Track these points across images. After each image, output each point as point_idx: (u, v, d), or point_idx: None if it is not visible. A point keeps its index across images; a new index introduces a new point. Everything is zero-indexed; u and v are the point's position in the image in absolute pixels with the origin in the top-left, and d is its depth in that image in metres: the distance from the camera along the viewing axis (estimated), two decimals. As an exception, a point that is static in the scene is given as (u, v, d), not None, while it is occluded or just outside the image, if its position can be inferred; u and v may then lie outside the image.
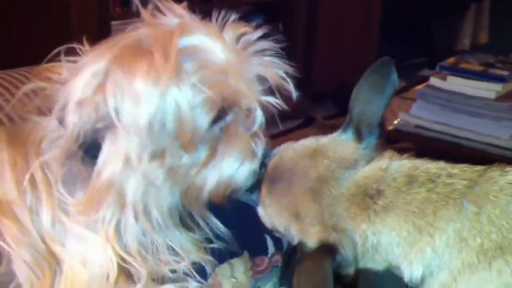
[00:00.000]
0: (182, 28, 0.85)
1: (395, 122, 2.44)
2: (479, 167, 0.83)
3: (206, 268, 0.96)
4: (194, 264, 0.95)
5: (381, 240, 0.83)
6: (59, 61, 0.90)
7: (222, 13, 0.93)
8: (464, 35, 4.39)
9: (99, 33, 2.80)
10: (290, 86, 0.93)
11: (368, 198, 0.84)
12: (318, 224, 0.86)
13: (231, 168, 0.91)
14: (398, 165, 0.86)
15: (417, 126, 2.39)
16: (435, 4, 4.18)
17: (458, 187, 0.81)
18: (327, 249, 0.84)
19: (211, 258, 0.97)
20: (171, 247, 0.93)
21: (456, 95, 2.25)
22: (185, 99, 0.83)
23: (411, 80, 4.48)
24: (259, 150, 0.93)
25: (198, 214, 0.96)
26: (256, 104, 0.91)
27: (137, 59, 0.81)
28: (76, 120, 0.83)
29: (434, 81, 2.32)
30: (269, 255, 1.06)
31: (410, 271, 0.82)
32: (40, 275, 0.86)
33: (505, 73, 2.28)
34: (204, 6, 3.66)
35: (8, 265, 0.87)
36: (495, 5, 4.43)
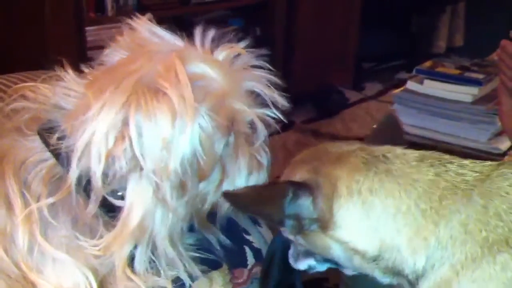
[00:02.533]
0: (181, 58, 0.85)
1: (374, 126, 2.44)
2: (490, 162, 0.84)
3: (184, 282, 0.95)
4: (172, 278, 0.94)
5: (374, 203, 0.82)
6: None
7: (202, 30, 0.94)
8: (440, 37, 4.44)
9: (74, 38, 2.77)
10: (278, 97, 0.96)
11: (372, 156, 0.84)
12: (307, 165, 0.86)
13: (242, 181, 0.94)
14: (411, 149, 0.86)
15: (395, 130, 2.39)
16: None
17: (468, 178, 0.80)
18: (297, 184, 0.83)
19: (197, 270, 0.96)
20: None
21: (433, 99, 2.26)
22: (205, 132, 0.84)
23: (389, 83, 4.52)
24: (264, 159, 0.97)
25: (208, 231, 0.98)
26: (256, 119, 0.94)
27: (155, 102, 0.80)
28: (99, 171, 0.81)
29: (411, 85, 2.32)
30: (248, 267, 1.06)
31: (413, 261, 0.80)
32: None
33: (481, 76, 2.29)
34: (181, 9, 3.66)
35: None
36: (470, 7, 4.48)
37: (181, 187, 0.86)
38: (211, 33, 0.94)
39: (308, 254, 0.92)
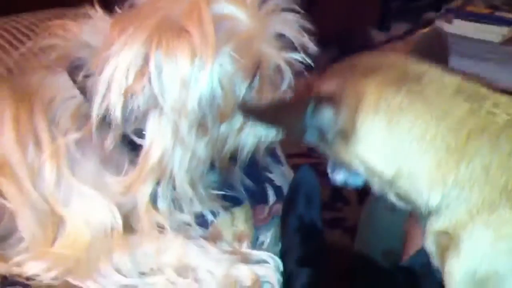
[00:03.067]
0: None
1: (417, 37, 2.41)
2: None
3: (207, 217, 0.97)
4: (196, 213, 0.96)
5: (400, 122, 0.78)
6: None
7: None
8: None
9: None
10: (308, 41, 0.94)
11: (407, 74, 0.80)
12: (337, 76, 0.84)
13: (265, 127, 0.94)
14: (449, 74, 0.81)
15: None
16: None
17: (499, 120, 0.77)
18: (320, 97, 0.81)
19: (222, 204, 0.98)
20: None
21: (462, 39, 2.21)
22: (226, 73, 0.84)
23: (417, 23, 4.40)
24: None
25: (229, 173, 0.99)
26: (283, 63, 0.92)
27: (176, 40, 0.79)
28: (119, 107, 0.81)
29: (439, 24, 2.27)
30: (269, 204, 1.07)
31: (428, 195, 0.78)
32: (42, 232, 0.86)
33: (511, 15, 2.23)
34: None
35: (10, 219, 0.87)
36: None
37: (201, 127, 0.86)
38: None
39: (339, 165, 0.89)
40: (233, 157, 0.97)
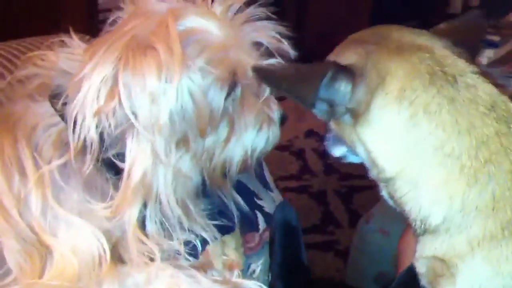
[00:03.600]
0: (174, 14, 0.85)
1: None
2: None
3: (197, 245, 0.96)
4: (186, 241, 0.95)
5: (421, 123, 0.72)
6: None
7: None
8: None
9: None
10: (286, 46, 0.94)
11: (442, 71, 0.74)
12: (361, 46, 0.78)
13: (252, 137, 0.94)
14: (487, 83, 0.75)
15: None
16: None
17: None
18: (339, 67, 0.76)
19: (209, 234, 0.97)
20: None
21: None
22: (197, 86, 0.84)
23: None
24: (274, 112, 0.96)
25: (222, 190, 0.98)
26: None
27: (142, 57, 0.80)
28: (93, 129, 0.82)
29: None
30: (260, 231, 1.07)
31: (428, 212, 0.74)
32: (29, 263, 0.85)
33: (497, 38, 2.26)
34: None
35: (-2, 251, 0.86)
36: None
37: (180, 143, 0.87)
38: None
39: (341, 141, 0.85)
40: (224, 173, 0.96)
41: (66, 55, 0.90)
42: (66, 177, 0.86)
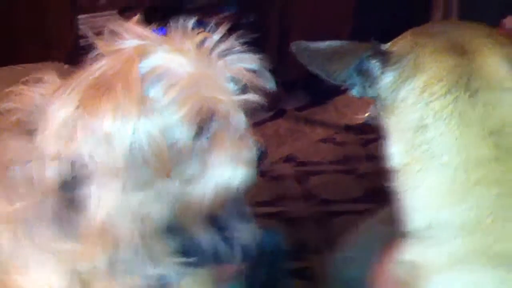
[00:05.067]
0: (140, 52, 0.85)
1: (366, 114, 2.45)
2: None
3: (169, 280, 0.96)
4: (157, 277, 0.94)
5: (432, 123, 0.74)
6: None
7: (180, 22, 0.92)
8: (435, 19, 4.41)
9: (68, 26, 2.75)
10: (263, 79, 0.94)
11: (466, 82, 0.75)
12: (418, 37, 0.80)
13: (226, 176, 0.92)
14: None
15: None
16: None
17: None
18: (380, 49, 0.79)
19: (181, 268, 0.96)
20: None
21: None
22: (157, 127, 0.83)
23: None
24: (251, 150, 0.94)
25: (195, 227, 0.97)
26: (234, 107, 0.91)
27: (101, 99, 0.80)
28: (55, 172, 0.82)
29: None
30: (234, 264, 1.06)
31: (415, 214, 0.75)
32: None
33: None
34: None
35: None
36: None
37: (145, 185, 0.86)
38: (191, 21, 0.92)
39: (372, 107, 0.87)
40: (197, 211, 0.95)
41: (41, 91, 0.90)
42: (39, 215, 0.86)
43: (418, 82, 0.78)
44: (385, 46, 0.83)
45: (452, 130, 0.75)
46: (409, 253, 0.77)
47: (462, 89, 0.76)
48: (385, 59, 0.80)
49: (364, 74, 0.81)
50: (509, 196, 0.73)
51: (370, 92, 0.82)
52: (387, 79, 0.80)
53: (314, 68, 0.83)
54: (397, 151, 0.80)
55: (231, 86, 0.92)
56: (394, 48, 0.82)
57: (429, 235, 0.75)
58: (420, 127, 0.76)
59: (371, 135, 3.44)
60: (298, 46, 0.84)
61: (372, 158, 3.38)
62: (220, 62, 0.91)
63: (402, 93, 0.78)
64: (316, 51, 0.83)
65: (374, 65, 0.80)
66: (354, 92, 0.84)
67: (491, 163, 0.74)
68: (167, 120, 0.85)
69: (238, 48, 0.93)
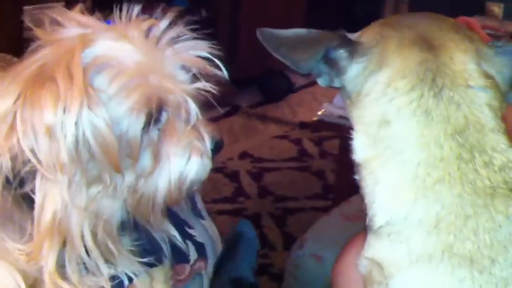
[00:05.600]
0: (83, 41, 0.80)
1: (319, 113, 2.45)
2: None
3: (123, 280, 0.91)
4: (111, 276, 0.90)
5: (396, 118, 0.74)
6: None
7: (124, 8, 0.88)
8: (386, 14, 4.49)
9: (12, 18, 2.65)
10: (214, 68, 0.90)
11: (432, 79, 0.74)
12: (385, 28, 0.80)
13: (179, 167, 0.88)
14: (479, 105, 0.75)
15: (340, 116, 2.40)
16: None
17: (477, 183, 0.71)
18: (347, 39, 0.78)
19: (135, 267, 0.91)
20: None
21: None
22: (102, 119, 0.78)
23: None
24: (205, 140, 0.90)
25: (150, 223, 0.92)
26: (185, 96, 0.88)
27: (41, 90, 0.75)
28: None
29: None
30: (191, 262, 1.03)
31: (375, 211, 0.74)
32: None
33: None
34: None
35: None
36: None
37: (94, 180, 0.82)
38: (136, 9, 0.88)
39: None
40: (151, 206, 0.90)
41: None
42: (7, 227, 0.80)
43: (382, 76, 0.77)
44: (353, 36, 0.81)
45: (415, 127, 0.74)
46: (370, 249, 0.77)
47: (427, 86, 0.75)
48: (352, 49, 0.78)
49: (331, 64, 0.79)
50: (470, 195, 0.72)
51: (336, 82, 0.81)
52: (353, 71, 0.78)
53: (280, 56, 0.81)
54: (360, 145, 0.79)
55: (182, 75, 0.89)
56: (363, 39, 0.81)
57: (389, 232, 0.74)
58: (383, 122, 0.75)
59: (324, 133, 3.46)
60: (264, 33, 0.82)
61: (326, 155, 3.41)
62: (169, 50, 0.87)
63: (367, 86, 0.77)
64: (282, 38, 0.80)
65: (341, 55, 0.78)
66: (321, 81, 0.82)
67: (454, 161, 0.73)
68: (114, 111, 0.81)
69: (187, 35, 0.90)
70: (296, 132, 3.70)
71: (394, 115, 0.75)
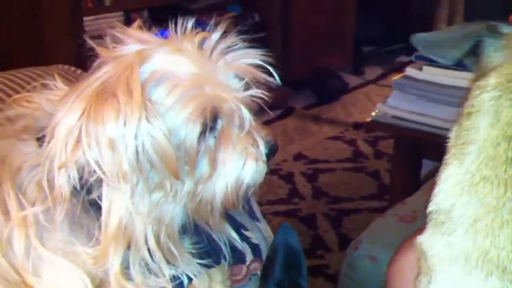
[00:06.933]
0: (141, 57, 0.85)
1: (373, 113, 2.44)
2: None
3: (183, 280, 0.96)
4: (172, 277, 0.94)
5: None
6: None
7: (179, 22, 0.93)
8: (440, 20, 4.41)
9: (72, 28, 2.76)
10: (267, 74, 0.93)
11: None
12: None
13: (235, 172, 0.92)
14: None
15: (394, 117, 2.39)
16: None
17: None
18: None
19: (195, 268, 0.95)
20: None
21: (432, 85, 2.25)
22: (160, 130, 0.83)
23: (390, 66, 4.49)
24: (259, 145, 0.94)
25: (212, 225, 0.97)
26: (238, 104, 0.92)
27: (103, 105, 0.81)
28: (65, 181, 0.82)
29: (410, 71, 2.31)
30: (247, 263, 1.06)
31: (436, 199, 0.77)
32: None
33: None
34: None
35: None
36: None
37: (156, 188, 0.86)
38: (190, 21, 0.93)
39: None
40: (210, 210, 0.94)
41: (48, 97, 0.91)
42: (50, 217, 0.85)
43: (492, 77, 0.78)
44: (503, 28, 0.85)
45: (484, 124, 0.77)
46: (421, 235, 0.78)
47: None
48: (498, 41, 0.82)
49: (478, 55, 0.83)
50: (510, 201, 0.72)
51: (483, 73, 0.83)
52: (494, 61, 0.81)
53: (431, 55, 0.92)
54: (452, 129, 0.82)
55: (235, 83, 0.93)
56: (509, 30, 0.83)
57: (435, 220, 0.76)
58: (467, 113, 0.79)
59: (379, 133, 3.44)
60: (418, 38, 0.89)
61: (381, 156, 3.39)
62: (222, 60, 0.91)
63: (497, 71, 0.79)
64: (433, 39, 0.88)
65: (488, 46, 0.82)
66: (473, 69, 0.86)
67: (503, 164, 0.74)
68: (172, 122, 0.85)
69: (239, 45, 0.94)
70: (350, 133, 3.69)
71: (477, 108, 0.78)
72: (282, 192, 3.00)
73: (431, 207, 0.77)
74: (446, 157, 0.80)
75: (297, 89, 3.93)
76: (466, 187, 0.75)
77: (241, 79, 0.93)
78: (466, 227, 0.73)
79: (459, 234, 0.74)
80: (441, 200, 0.76)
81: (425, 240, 0.77)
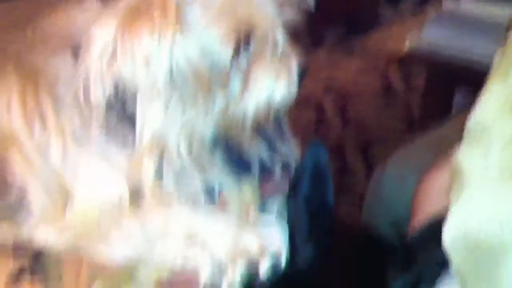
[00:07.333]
0: None
1: (407, 46, 2.41)
2: None
3: (214, 188, 0.99)
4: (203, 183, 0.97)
5: None
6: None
7: None
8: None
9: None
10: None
11: None
12: None
13: (266, 91, 0.95)
14: None
15: (430, 50, 2.36)
16: None
17: None
18: None
19: (227, 178, 1.00)
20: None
21: (469, 19, 2.20)
22: (194, 48, 0.85)
23: (425, -2, 4.35)
24: (291, 66, 0.96)
25: (243, 142, 1.01)
26: (272, 26, 0.94)
27: (139, 21, 0.82)
28: (100, 94, 0.85)
29: (447, 3, 2.26)
30: (276, 179, 1.08)
31: (476, 112, 0.77)
32: (51, 205, 0.88)
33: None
34: None
35: (20, 193, 0.89)
36: None
37: (188, 102, 0.88)
38: None
39: None
40: (241, 126, 0.98)
41: (84, 12, 0.93)
42: (87, 128, 0.89)
43: None
44: None
45: None
46: (458, 154, 0.77)
47: None
48: None
49: None
50: None
51: None
52: None
53: None
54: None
55: (269, 6, 0.94)
56: None
57: (473, 133, 0.76)
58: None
59: (412, 67, 3.38)
60: None
61: (412, 90, 3.34)
62: None
63: None
64: None
65: None
66: None
67: None
68: (205, 41, 0.87)
69: None
70: (382, 65, 3.64)
71: None
72: (310, 122, 3.01)
73: (470, 124, 0.77)
74: (490, 76, 0.79)
75: (330, 20, 3.86)
76: (508, 105, 0.75)
77: (276, 2, 0.94)
78: (504, 143, 0.73)
79: (496, 149, 0.73)
80: (482, 117, 0.76)
81: (461, 154, 0.77)
